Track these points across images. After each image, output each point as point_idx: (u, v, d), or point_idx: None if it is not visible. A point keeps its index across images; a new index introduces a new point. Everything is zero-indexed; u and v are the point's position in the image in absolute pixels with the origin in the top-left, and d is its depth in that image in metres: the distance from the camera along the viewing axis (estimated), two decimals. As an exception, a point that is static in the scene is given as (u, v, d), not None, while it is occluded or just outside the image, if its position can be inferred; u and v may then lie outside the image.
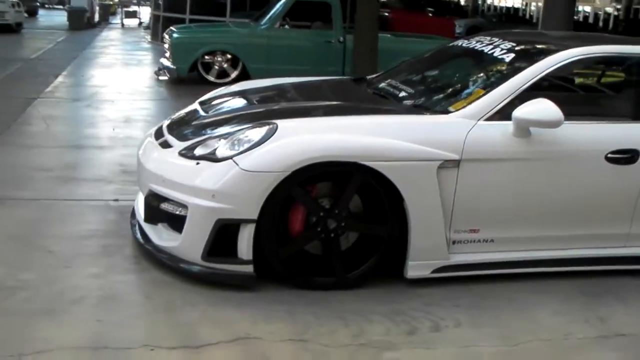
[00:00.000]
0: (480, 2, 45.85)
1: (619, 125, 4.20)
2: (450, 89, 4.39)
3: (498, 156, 3.90)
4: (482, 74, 4.42)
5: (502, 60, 4.36)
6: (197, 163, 3.78)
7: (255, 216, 3.62)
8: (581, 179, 4.07)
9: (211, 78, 10.94)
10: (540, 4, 40.86)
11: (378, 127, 3.85)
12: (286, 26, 11.42)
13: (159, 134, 4.39)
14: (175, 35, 10.86)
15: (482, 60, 4.56)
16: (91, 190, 5.28)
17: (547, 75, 4.09)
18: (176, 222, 3.85)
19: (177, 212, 3.80)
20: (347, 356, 3.20)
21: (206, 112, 4.51)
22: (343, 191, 3.79)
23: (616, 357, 3.42)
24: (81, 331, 3.22)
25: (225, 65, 10.99)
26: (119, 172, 5.81)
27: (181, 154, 3.92)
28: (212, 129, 4.07)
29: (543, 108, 3.81)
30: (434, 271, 3.95)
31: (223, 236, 3.67)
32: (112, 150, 6.60)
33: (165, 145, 4.13)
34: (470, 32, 26.58)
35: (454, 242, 3.98)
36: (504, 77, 4.13)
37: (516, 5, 43.31)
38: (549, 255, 4.16)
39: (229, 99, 4.75)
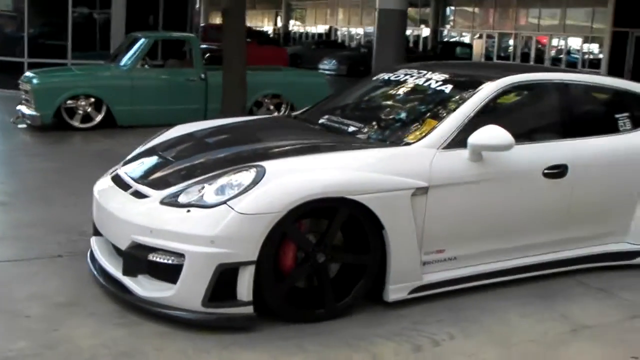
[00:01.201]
0: (289, 30, 47.41)
1: (550, 144, 4.72)
2: (400, 122, 4.72)
3: (457, 180, 4.27)
4: (425, 106, 4.77)
5: (442, 92, 4.75)
6: (188, 210, 3.80)
7: (255, 257, 3.71)
8: (526, 194, 4.54)
9: (75, 123, 10.57)
10: (347, 29, 42.87)
11: (355, 162, 4.09)
12: (146, 66, 11.32)
13: (121, 183, 4.33)
14: (35, 80, 10.40)
15: (420, 92, 4.92)
16: (21, 250, 5.02)
17: (488, 102, 4.52)
18: (162, 272, 3.85)
19: (169, 262, 3.79)
20: (376, 379, 3.39)
21: (169, 157, 4.51)
22: (330, 225, 3.96)
23: (593, 346, 3.89)
24: (110, 392, 3.17)
25: (89, 109, 10.67)
26: (33, 227, 5.56)
27: (164, 202, 3.93)
28: (189, 175, 4.10)
29: (495, 134, 4.23)
30: (410, 292, 4.23)
31: (222, 280, 3.72)
32: (13, 206, 6.28)
33: (139, 195, 4.10)
34: (291, 60, 27.40)
35: (424, 264, 4.27)
36: (450, 107, 4.53)
37: (320, 32, 45.70)
38: (503, 266, 4.58)
39: (187, 143, 4.76)
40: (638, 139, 5.09)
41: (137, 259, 3.92)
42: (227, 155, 4.33)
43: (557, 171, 4.61)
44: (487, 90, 4.57)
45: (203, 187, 3.91)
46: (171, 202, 3.91)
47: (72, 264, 4.68)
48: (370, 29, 43.41)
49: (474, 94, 4.54)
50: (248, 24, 23.94)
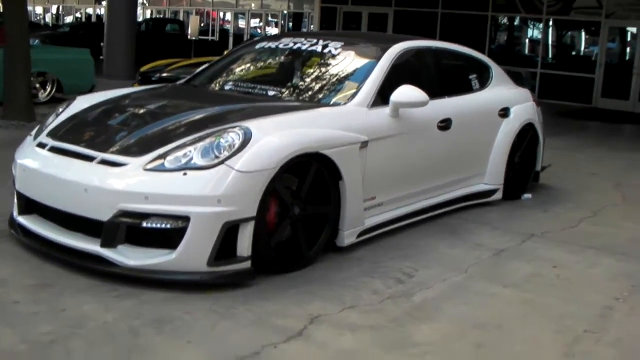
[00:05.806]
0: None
1: (438, 101, 5.40)
2: (320, 85, 5.06)
3: (384, 134, 4.79)
4: (337, 70, 5.15)
5: (345, 57, 5.19)
6: (184, 174, 3.80)
7: (254, 213, 3.86)
8: (427, 144, 5.23)
9: None
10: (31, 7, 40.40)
11: (315, 120, 4.40)
12: None
13: (73, 154, 4.11)
14: None
15: (323, 58, 5.28)
16: None
17: (391, 65, 5.07)
18: (154, 238, 3.83)
19: (166, 226, 3.78)
20: (394, 306, 3.79)
21: (115, 124, 4.37)
22: (304, 179, 4.22)
23: (519, 262, 4.67)
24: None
25: None
26: None
27: (149, 169, 3.87)
28: (162, 140, 4.04)
29: (413, 92, 4.80)
30: (358, 236, 4.66)
31: (225, 238, 3.82)
32: None
33: (111, 163, 3.96)
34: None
35: (364, 210, 4.72)
36: (362, 70, 5.00)
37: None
38: (414, 208, 5.23)
39: (127, 111, 4.58)
40: (485, 96, 6.05)
41: (123, 228, 3.82)
42: (191, 119, 4.31)
43: (445, 124, 5.34)
44: (390, 54, 5.12)
45: (186, 150, 3.92)
46: (157, 167, 3.87)
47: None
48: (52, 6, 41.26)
49: (379, 58, 5.06)
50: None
